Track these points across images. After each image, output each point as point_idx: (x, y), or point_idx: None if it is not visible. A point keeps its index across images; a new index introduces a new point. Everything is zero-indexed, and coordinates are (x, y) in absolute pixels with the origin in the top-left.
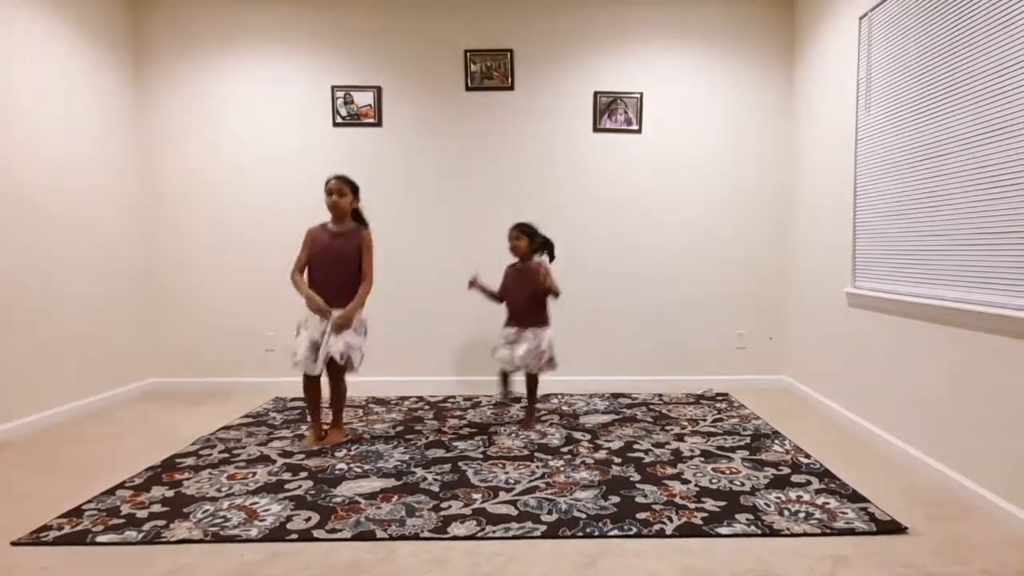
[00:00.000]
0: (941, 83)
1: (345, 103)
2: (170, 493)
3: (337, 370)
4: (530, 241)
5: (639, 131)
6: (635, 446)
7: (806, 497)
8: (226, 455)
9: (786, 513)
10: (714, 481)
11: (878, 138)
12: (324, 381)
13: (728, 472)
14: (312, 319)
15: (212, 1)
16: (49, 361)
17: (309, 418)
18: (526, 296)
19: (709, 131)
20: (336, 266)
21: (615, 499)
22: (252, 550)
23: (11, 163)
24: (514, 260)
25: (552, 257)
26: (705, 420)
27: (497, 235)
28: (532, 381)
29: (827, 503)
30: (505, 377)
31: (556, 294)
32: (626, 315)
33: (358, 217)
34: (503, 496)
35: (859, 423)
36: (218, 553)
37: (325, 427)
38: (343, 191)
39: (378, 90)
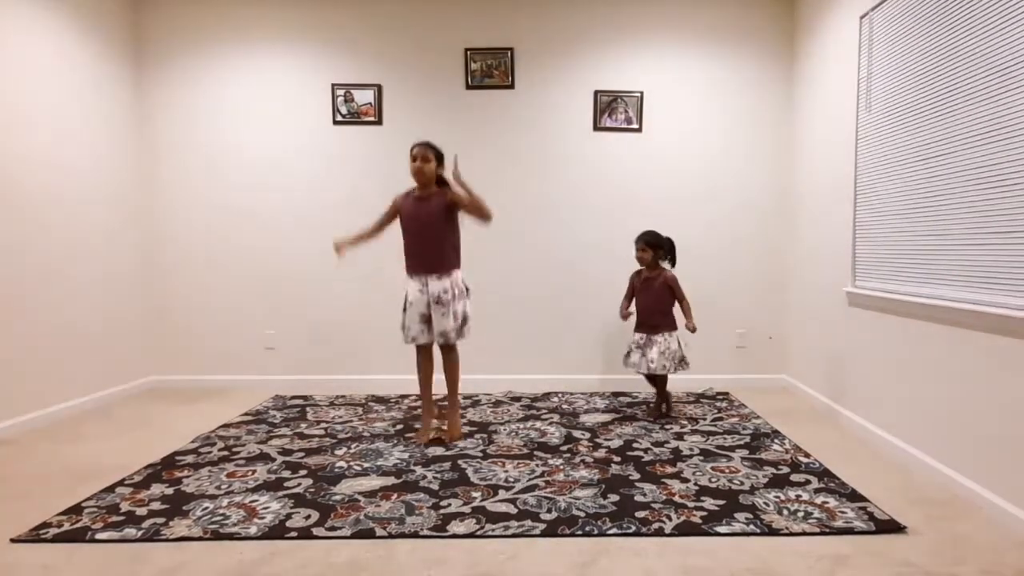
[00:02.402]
0: (942, 82)
1: (345, 101)
2: (170, 491)
3: (449, 344)
4: (654, 252)
5: (639, 130)
6: (634, 445)
7: (805, 496)
8: (226, 453)
9: (785, 512)
10: (713, 480)
11: (878, 138)
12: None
13: (727, 471)
14: (414, 293)
15: None
16: (49, 359)
17: (421, 402)
18: (653, 303)
19: (710, 130)
20: (426, 231)
21: (614, 498)
22: (251, 548)
23: (9, 161)
24: (640, 268)
25: (673, 262)
26: (705, 419)
27: (497, 233)
28: (663, 380)
29: (826, 502)
30: (653, 380)
31: (687, 306)
32: None
33: (442, 183)
34: (502, 494)
35: (859, 423)
36: (217, 551)
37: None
38: (427, 157)
39: (378, 88)
